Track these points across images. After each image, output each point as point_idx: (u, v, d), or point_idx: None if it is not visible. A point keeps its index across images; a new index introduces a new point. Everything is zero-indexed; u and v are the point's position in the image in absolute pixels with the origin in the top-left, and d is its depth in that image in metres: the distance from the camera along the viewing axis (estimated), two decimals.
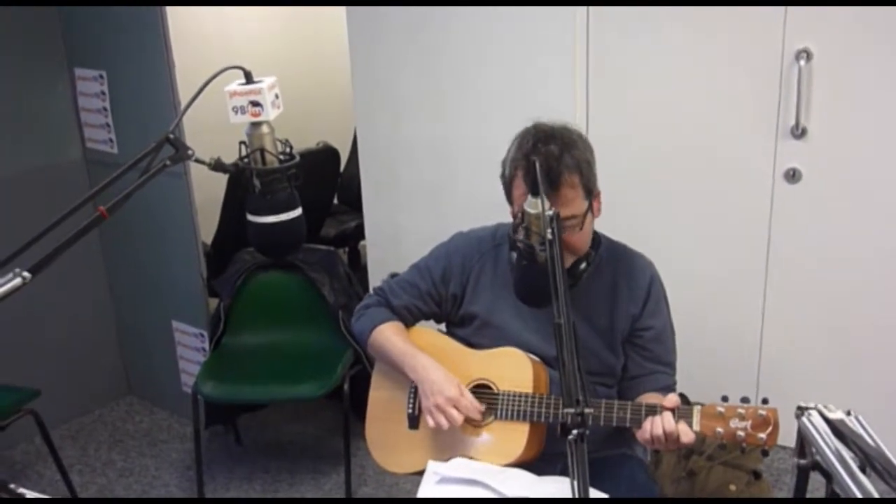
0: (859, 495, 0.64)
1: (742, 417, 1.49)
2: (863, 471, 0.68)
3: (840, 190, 2.57)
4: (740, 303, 2.80)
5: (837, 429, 0.72)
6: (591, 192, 1.69)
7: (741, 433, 1.49)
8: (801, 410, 0.79)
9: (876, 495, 0.64)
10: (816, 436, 0.73)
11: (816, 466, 0.74)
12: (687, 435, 1.50)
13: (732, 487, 2.54)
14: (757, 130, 2.62)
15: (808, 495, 0.90)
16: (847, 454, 0.69)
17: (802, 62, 2.48)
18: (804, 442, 0.77)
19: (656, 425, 1.52)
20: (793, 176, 2.61)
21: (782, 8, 2.47)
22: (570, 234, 1.66)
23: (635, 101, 2.73)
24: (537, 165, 1.47)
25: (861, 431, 0.73)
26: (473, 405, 1.69)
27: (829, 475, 0.71)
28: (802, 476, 0.75)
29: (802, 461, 0.75)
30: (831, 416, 0.75)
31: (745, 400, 1.53)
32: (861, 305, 2.65)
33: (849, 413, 0.76)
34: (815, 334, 2.74)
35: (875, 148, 2.50)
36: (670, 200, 2.78)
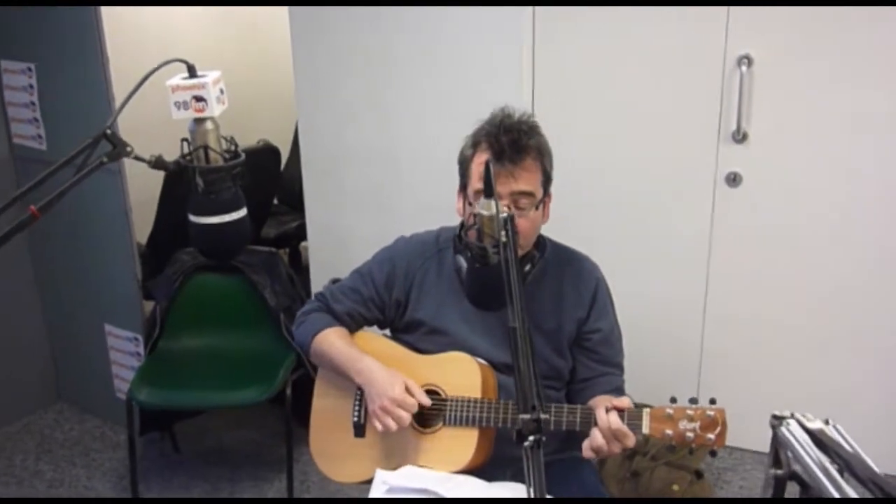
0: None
1: (691, 419, 1.50)
2: (840, 475, 0.68)
3: (779, 193, 2.63)
4: (682, 304, 2.84)
5: (818, 438, 0.71)
6: (548, 181, 1.70)
7: (690, 434, 1.50)
8: (779, 420, 0.78)
9: None
10: (797, 446, 0.72)
11: (794, 476, 0.73)
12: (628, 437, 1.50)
13: (675, 487, 2.56)
14: (699, 135, 2.66)
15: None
16: (829, 464, 0.68)
17: (744, 68, 2.53)
18: (779, 450, 0.76)
19: (613, 422, 1.50)
20: (734, 180, 2.65)
21: (724, 14, 2.51)
22: (523, 216, 1.65)
23: (580, 106, 2.74)
24: (490, 167, 1.44)
25: (839, 439, 0.72)
26: (421, 399, 1.65)
27: (805, 484, 0.70)
28: (779, 486, 0.74)
29: (779, 471, 0.74)
30: (811, 425, 0.74)
31: (693, 401, 1.53)
32: (800, 306, 2.71)
33: (827, 422, 0.76)
34: (755, 334, 2.79)
35: (813, 152, 2.56)
36: (613, 203, 2.79)
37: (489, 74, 2.66)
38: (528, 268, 1.75)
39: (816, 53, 2.47)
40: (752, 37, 2.51)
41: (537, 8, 2.63)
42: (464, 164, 1.72)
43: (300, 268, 3.78)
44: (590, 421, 1.55)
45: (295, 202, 3.59)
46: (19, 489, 2.89)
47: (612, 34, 2.64)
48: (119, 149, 1.31)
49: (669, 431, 1.50)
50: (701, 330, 2.86)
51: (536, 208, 1.67)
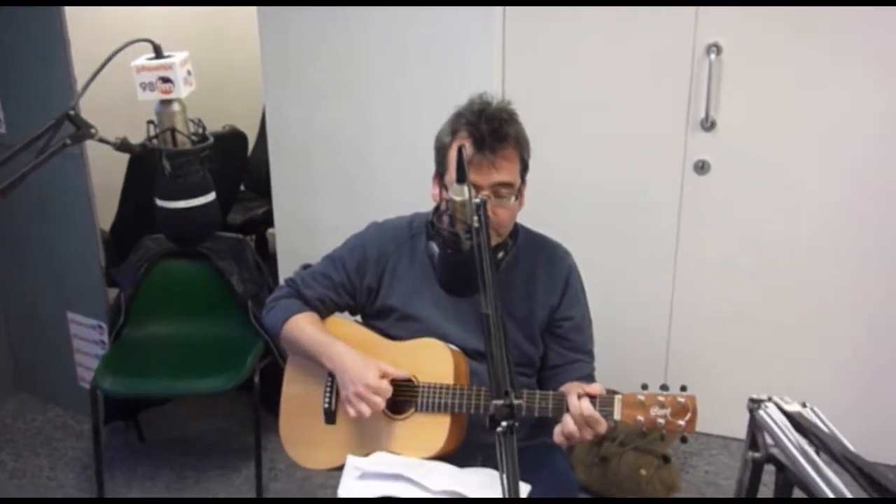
0: (825, 488, 0.64)
1: (662, 405, 1.51)
2: (816, 454, 0.68)
3: (747, 181, 2.65)
4: (650, 291, 2.86)
5: (796, 421, 0.71)
6: (525, 170, 1.69)
7: (661, 420, 1.50)
8: (756, 403, 0.78)
9: (840, 486, 0.64)
10: (776, 429, 0.73)
11: (771, 459, 0.73)
12: (600, 423, 1.51)
13: (643, 472, 2.60)
14: (668, 123, 2.67)
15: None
16: (808, 446, 0.69)
17: (713, 56, 2.54)
18: (756, 433, 0.77)
19: (585, 407, 1.50)
20: (702, 167, 2.67)
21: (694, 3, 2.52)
22: (503, 206, 1.64)
23: (552, 96, 2.74)
24: (463, 152, 1.43)
25: (817, 421, 0.73)
26: (397, 374, 1.65)
27: (781, 466, 0.70)
28: (756, 469, 0.74)
29: (756, 454, 0.74)
30: (789, 408, 0.74)
31: (664, 387, 1.54)
32: (766, 293, 2.74)
33: (804, 405, 0.76)
34: (722, 320, 2.82)
35: (781, 140, 2.59)
36: (583, 191, 2.80)
37: (460, 66, 2.65)
38: (500, 255, 1.74)
39: (785, 42, 2.49)
40: (721, 25, 2.53)
41: (508, 7, 2.62)
42: (441, 152, 1.69)
43: (267, 254, 3.75)
44: (562, 407, 1.55)
45: (262, 188, 3.55)
46: None
47: (582, 22, 2.64)
48: (83, 130, 1.28)
49: (641, 418, 1.51)
50: (669, 316, 2.88)
51: (516, 198, 1.66)
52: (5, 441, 3.07)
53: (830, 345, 2.73)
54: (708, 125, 2.62)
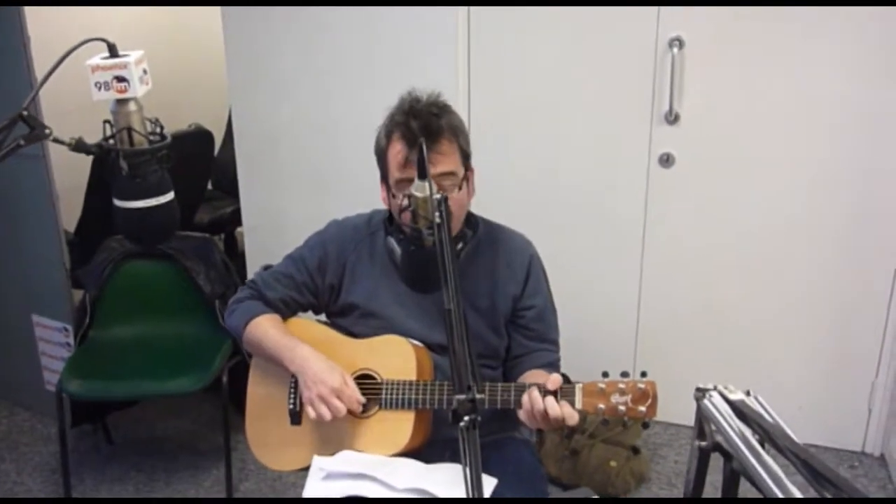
0: (764, 475, 0.65)
1: (622, 392, 1.51)
2: (761, 445, 0.69)
3: (711, 173, 2.68)
4: (617, 285, 2.88)
5: (739, 409, 0.73)
6: (467, 158, 1.70)
7: (622, 407, 1.51)
8: (702, 392, 0.79)
9: (781, 474, 0.65)
10: (719, 417, 0.74)
11: (717, 447, 0.74)
12: (572, 418, 1.51)
13: (613, 463, 2.62)
14: (633, 117, 2.69)
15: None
16: (750, 434, 0.70)
17: (675, 50, 2.56)
18: (703, 423, 0.78)
19: (536, 402, 1.51)
20: (667, 160, 2.70)
21: None
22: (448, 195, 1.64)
23: (517, 91, 2.75)
24: (423, 147, 1.43)
25: (760, 409, 0.74)
26: (356, 395, 1.65)
27: (728, 454, 0.71)
28: (703, 457, 0.75)
29: (703, 443, 0.75)
30: (732, 397, 0.75)
31: (624, 374, 1.55)
32: (732, 285, 2.77)
33: (748, 393, 0.77)
34: (689, 312, 2.85)
35: (744, 132, 2.61)
36: (550, 184, 2.81)
37: (427, 55, 2.66)
38: (460, 245, 1.74)
39: (745, 35, 2.52)
40: (682, 19, 2.55)
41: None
42: (380, 156, 1.70)
43: (236, 254, 3.72)
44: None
45: (230, 188, 3.53)
46: None
47: (545, 18, 2.65)
48: (37, 131, 1.27)
49: (602, 405, 1.51)
50: (636, 308, 2.90)
51: (460, 188, 1.67)
52: None
53: (797, 335, 2.76)
54: (672, 118, 2.64)
